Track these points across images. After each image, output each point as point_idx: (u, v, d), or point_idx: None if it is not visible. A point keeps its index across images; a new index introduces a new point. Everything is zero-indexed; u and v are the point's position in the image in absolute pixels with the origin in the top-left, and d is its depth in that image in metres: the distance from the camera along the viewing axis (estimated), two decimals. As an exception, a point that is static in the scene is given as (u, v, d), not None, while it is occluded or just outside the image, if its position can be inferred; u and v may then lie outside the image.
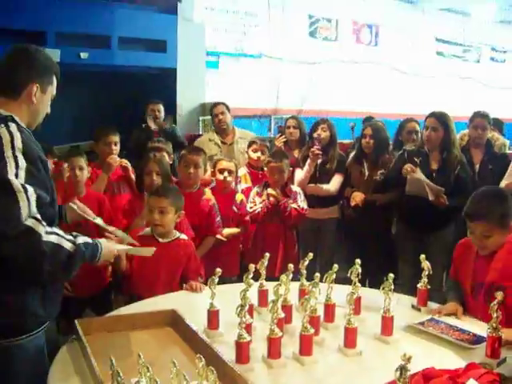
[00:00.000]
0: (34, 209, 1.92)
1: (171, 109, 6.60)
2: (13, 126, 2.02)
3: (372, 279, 4.02)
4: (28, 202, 1.90)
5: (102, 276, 3.70)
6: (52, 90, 2.25)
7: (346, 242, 5.08)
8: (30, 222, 1.90)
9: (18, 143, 1.97)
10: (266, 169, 4.43)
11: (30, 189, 1.93)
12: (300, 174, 4.84)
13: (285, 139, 5.36)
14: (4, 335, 2.03)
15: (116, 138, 4.45)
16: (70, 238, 2.03)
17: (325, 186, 4.88)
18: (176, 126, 6.45)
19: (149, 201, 3.26)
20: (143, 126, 6.00)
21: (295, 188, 4.51)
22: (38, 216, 1.93)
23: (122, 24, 7.01)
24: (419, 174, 4.31)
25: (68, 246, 1.99)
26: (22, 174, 1.93)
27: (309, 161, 4.76)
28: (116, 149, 4.43)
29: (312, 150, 4.70)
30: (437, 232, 4.45)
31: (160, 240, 3.16)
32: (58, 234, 1.98)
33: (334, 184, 4.89)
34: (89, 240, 2.12)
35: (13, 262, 1.93)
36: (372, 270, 3.90)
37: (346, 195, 4.86)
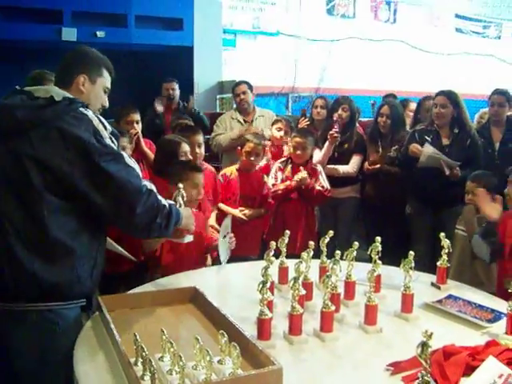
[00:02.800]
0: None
1: (188, 87, 6.60)
2: (90, 111, 2.20)
3: (388, 257, 4.03)
4: (136, 167, 2.22)
5: (136, 252, 3.73)
6: (103, 82, 2.39)
7: (363, 221, 5.08)
8: (146, 183, 2.21)
9: (106, 124, 2.20)
10: (289, 144, 4.44)
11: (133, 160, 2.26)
12: (318, 155, 4.80)
13: (308, 122, 5.33)
14: (50, 298, 2.11)
15: (137, 117, 4.48)
16: (163, 199, 2.29)
17: (344, 168, 4.87)
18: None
19: (193, 177, 3.27)
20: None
21: (318, 167, 4.50)
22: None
23: (139, 2, 7.00)
24: (431, 149, 4.32)
25: (167, 204, 2.26)
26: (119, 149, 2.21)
27: (327, 143, 4.74)
28: (138, 127, 4.46)
29: (331, 132, 4.68)
30: (451, 208, 4.40)
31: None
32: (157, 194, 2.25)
33: (353, 165, 4.89)
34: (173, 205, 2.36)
35: (125, 223, 2.21)
36: (388, 247, 3.89)
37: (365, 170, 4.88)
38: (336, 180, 4.80)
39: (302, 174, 4.24)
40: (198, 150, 3.96)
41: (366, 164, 4.89)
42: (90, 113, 2.16)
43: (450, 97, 4.51)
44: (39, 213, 2.06)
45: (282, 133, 4.91)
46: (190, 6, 7.31)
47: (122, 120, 4.47)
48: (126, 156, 2.21)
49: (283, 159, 4.53)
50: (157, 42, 7.15)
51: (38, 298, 2.09)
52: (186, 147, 3.69)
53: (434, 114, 4.56)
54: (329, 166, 4.82)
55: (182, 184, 2.70)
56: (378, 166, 4.77)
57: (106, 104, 2.44)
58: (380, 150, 4.86)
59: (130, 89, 6.66)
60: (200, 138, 4.03)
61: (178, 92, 6.20)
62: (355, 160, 4.90)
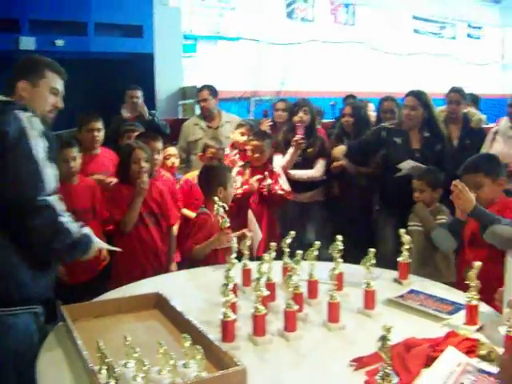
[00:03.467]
0: (53, 185, 2.17)
1: (150, 94, 6.57)
2: (27, 113, 2.21)
3: (355, 255, 4.07)
4: (51, 179, 2.16)
5: (96, 262, 3.73)
6: (47, 83, 2.42)
7: (330, 223, 5.10)
8: (51, 199, 2.14)
9: (38, 124, 2.20)
10: (247, 147, 4.44)
11: (53, 166, 2.20)
12: (280, 161, 4.74)
13: (270, 123, 5.33)
14: None
15: (99, 125, 4.40)
16: (77, 225, 2.24)
17: (309, 172, 4.84)
18: (155, 112, 6.42)
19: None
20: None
21: (276, 169, 4.52)
22: (58, 195, 2.17)
23: (98, 10, 6.95)
24: (411, 164, 4.25)
25: (75, 232, 2.20)
26: (44, 152, 2.17)
27: (292, 149, 4.68)
28: (99, 135, 4.39)
29: (295, 138, 4.63)
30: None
31: None
32: (69, 219, 2.19)
33: (319, 169, 4.86)
34: (91, 235, 2.32)
35: (25, 234, 2.13)
36: (356, 246, 3.93)
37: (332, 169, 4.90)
38: (301, 185, 4.79)
39: (252, 180, 4.25)
40: (156, 156, 3.96)
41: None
42: (21, 113, 2.18)
43: (420, 97, 4.39)
44: None
45: (245, 137, 4.91)
46: (150, 13, 7.29)
47: (83, 128, 4.40)
48: (45, 164, 2.17)
49: (242, 163, 4.52)
50: (117, 50, 7.10)
51: None
52: (140, 154, 3.65)
53: (405, 116, 4.45)
54: (293, 172, 4.78)
55: None
56: (341, 162, 4.77)
57: (59, 105, 2.48)
58: None
59: (93, 97, 6.61)
60: (158, 144, 4.03)
61: (141, 100, 6.17)
62: (320, 164, 4.88)
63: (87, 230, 2.32)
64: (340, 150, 4.68)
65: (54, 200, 2.15)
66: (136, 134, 4.45)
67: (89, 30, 6.93)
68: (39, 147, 2.16)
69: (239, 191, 4.28)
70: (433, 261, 3.81)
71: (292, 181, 4.64)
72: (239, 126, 5.06)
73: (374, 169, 4.73)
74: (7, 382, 2.16)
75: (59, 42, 6.65)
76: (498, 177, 3.04)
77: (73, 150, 3.73)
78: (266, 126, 5.28)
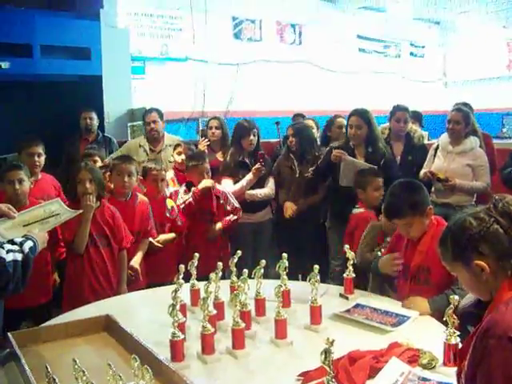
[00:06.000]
0: None
1: (99, 116, 6.53)
2: None
3: (305, 274, 4.14)
4: None
5: (46, 288, 3.75)
6: None
7: (282, 242, 5.13)
8: None
9: None
10: (187, 171, 4.54)
11: None
12: (231, 185, 4.81)
13: (208, 142, 5.40)
14: None
15: (39, 149, 4.33)
16: (18, 248, 2.08)
17: (263, 191, 4.92)
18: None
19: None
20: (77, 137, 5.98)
21: (222, 188, 4.58)
22: None
23: (44, 32, 6.88)
24: (349, 158, 4.50)
25: (20, 257, 2.06)
26: None
27: (250, 176, 4.79)
28: (39, 160, 4.32)
29: (258, 167, 4.76)
30: None
31: None
32: (11, 250, 2.02)
33: (271, 187, 4.98)
34: (30, 243, 2.16)
35: None
36: (305, 265, 3.99)
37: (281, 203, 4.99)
38: (255, 205, 4.89)
39: (206, 182, 4.35)
40: (126, 179, 3.95)
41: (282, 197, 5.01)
42: None
43: (364, 116, 4.59)
44: None
45: (183, 156, 4.96)
46: (97, 35, 7.26)
47: (22, 152, 4.33)
48: None
49: (184, 184, 4.59)
50: (64, 72, 7.01)
51: None
52: (85, 175, 3.64)
53: (350, 135, 4.65)
54: (248, 192, 4.86)
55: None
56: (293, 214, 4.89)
57: None
58: (296, 168, 4.97)
59: (40, 120, 6.53)
60: (131, 167, 4.01)
61: (96, 122, 6.16)
62: (271, 182, 4.98)
63: (28, 243, 2.15)
64: (291, 208, 4.85)
65: None
66: (95, 158, 4.44)
67: (34, 53, 6.86)
68: None
69: (186, 197, 4.36)
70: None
71: (244, 202, 4.72)
72: (176, 146, 5.14)
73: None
74: None
75: (4, 65, 6.56)
76: (424, 210, 2.90)
77: (19, 173, 3.69)
78: (203, 145, 5.34)
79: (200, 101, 8.56)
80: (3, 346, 2.29)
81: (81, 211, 2.69)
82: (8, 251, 1.99)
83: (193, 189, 4.40)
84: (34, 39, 6.83)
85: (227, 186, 4.77)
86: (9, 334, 2.27)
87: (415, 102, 7.89)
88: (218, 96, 8.65)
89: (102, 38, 7.29)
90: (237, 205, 4.53)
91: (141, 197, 4.11)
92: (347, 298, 2.93)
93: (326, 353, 1.71)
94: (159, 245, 4.13)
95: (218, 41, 8.88)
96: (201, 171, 4.41)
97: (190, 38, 8.66)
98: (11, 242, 2.07)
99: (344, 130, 5.49)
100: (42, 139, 4.51)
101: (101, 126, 6.53)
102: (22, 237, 2.16)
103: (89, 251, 3.55)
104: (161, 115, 5.60)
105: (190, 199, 4.35)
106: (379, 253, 3.42)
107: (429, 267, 2.83)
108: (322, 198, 4.95)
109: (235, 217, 4.52)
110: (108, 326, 2.45)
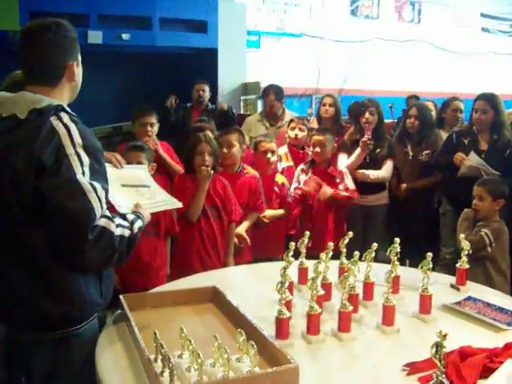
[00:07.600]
0: (104, 206, 1.93)
1: (213, 89, 6.64)
2: (66, 117, 1.95)
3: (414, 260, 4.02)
4: (99, 202, 1.89)
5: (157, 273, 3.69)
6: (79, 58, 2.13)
7: (393, 227, 5.01)
8: (103, 222, 1.90)
9: (77, 137, 1.91)
10: (312, 142, 4.46)
11: (98, 186, 1.91)
12: (345, 160, 4.72)
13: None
14: (64, 325, 2.04)
15: (152, 119, 4.39)
16: (128, 225, 2.02)
17: (377, 173, 4.76)
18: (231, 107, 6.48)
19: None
20: (187, 105, 6.10)
21: (341, 168, 4.49)
22: (108, 212, 1.95)
23: (163, 5, 7.06)
24: (474, 159, 4.27)
25: (127, 234, 1.99)
26: (87, 171, 1.89)
27: (359, 150, 4.64)
28: (152, 130, 4.38)
29: (363, 140, 4.59)
30: None
31: None
32: (121, 225, 1.98)
33: (387, 170, 4.79)
34: (140, 223, 2.10)
35: (83, 267, 1.97)
36: (414, 250, 3.88)
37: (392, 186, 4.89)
38: (367, 186, 4.74)
39: (326, 189, 4.25)
40: (225, 150, 4.00)
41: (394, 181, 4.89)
42: (60, 125, 1.91)
43: (491, 101, 4.41)
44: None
45: (296, 131, 4.87)
46: (215, 9, 7.35)
47: (136, 122, 4.41)
48: (92, 188, 1.89)
49: (306, 161, 4.53)
50: (181, 45, 7.20)
51: (51, 328, 2.03)
52: (205, 147, 3.69)
53: (475, 120, 4.47)
54: (360, 171, 4.73)
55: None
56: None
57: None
58: (409, 151, 4.83)
59: (154, 90, 6.72)
60: (231, 137, 4.04)
61: (208, 94, 6.25)
62: (388, 165, 4.79)
63: (139, 223, 2.09)
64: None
65: (106, 221, 1.92)
66: (207, 131, 4.51)
67: (154, 25, 7.04)
68: (84, 167, 1.89)
69: (299, 192, 4.30)
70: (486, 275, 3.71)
71: (358, 182, 4.60)
72: (290, 121, 5.05)
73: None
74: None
75: (125, 36, 6.78)
76: None
77: (138, 154, 3.60)
78: (314, 122, 5.28)
79: (314, 77, 8.48)
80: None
81: (180, 204, 2.62)
82: (118, 225, 1.95)
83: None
84: (154, 12, 7.02)
85: (342, 160, 4.68)
86: (120, 296, 2.35)
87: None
88: (333, 73, 8.54)
89: (218, 11, 7.37)
90: (351, 186, 4.41)
91: (250, 170, 4.11)
92: (458, 290, 2.79)
93: (438, 346, 1.63)
94: (266, 220, 4.13)
95: (334, 18, 8.74)
96: (322, 143, 4.38)
97: (306, 14, 8.58)
98: (123, 217, 2.07)
99: (459, 113, 5.29)
100: (155, 109, 4.62)
101: (213, 99, 6.62)
102: (133, 213, 2.15)
103: (200, 222, 3.62)
104: (279, 97, 5.56)
105: (297, 195, 4.33)
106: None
107: None
108: (436, 182, 4.76)
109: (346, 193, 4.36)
110: (215, 297, 2.47)
